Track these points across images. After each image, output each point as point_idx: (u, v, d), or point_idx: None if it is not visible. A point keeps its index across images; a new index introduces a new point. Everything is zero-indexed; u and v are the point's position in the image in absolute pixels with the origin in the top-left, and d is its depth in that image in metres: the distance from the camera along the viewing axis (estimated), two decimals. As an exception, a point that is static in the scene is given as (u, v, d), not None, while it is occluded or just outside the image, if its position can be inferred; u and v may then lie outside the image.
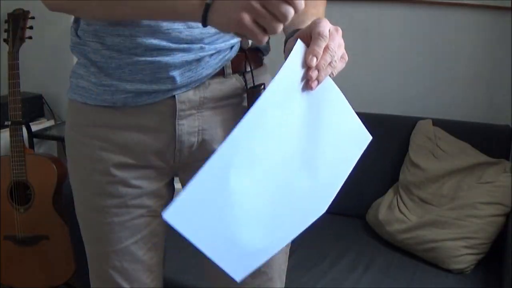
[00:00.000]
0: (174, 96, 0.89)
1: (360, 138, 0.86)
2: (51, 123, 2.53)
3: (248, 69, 0.95)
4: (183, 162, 0.96)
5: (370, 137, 0.84)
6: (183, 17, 0.79)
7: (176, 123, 0.91)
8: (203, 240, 0.70)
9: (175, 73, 0.87)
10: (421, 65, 2.09)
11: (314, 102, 0.78)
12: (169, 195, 1.03)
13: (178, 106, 0.89)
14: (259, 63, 0.99)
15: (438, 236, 1.67)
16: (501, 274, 1.61)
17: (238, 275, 0.72)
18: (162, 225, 1.04)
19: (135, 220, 0.98)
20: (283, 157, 0.75)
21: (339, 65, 0.80)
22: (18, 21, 2.11)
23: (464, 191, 1.75)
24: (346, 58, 0.81)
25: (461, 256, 1.64)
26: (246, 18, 0.70)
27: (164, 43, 0.84)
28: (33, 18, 2.15)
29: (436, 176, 1.83)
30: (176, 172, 1.00)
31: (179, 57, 0.86)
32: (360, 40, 2.12)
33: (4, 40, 2.10)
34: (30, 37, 2.13)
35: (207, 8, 0.72)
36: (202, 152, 0.94)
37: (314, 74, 0.76)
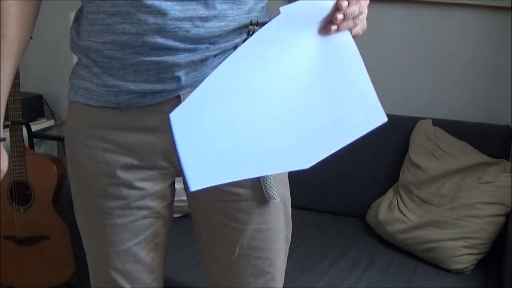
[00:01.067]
0: (179, 96, 0.88)
1: (372, 115, 0.85)
2: (51, 123, 2.54)
3: None
4: None
5: (385, 119, 0.84)
6: None
7: None
8: (186, 143, 0.75)
9: (181, 73, 0.86)
10: (421, 65, 2.09)
11: (328, 53, 0.81)
12: (172, 196, 1.03)
13: None
14: None
15: (438, 236, 1.67)
16: (501, 274, 1.61)
17: (195, 184, 0.76)
18: (164, 225, 1.03)
19: (138, 221, 0.98)
20: (276, 94, 0.80)
21: (359, 28, 0.80)
22: (18, 21, 2.11)
23: (464, 191, 1.75)
24: (365, 27, 0.81)
25: (461, 256, 1.64)
26: None
27: (170, 43, 0.83)
28: (33, 18, 2.15)
29: (436, 176, 1.82)
30: (179, 173, 0.99)
31: (185, 57, 0.85)
32: (360, 40, 2.11)
33: (4, 40, 2.10)
34: (30, 37, 2.13)
35: None
36: None
37: (339, 16, 0.77)
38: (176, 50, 0.84)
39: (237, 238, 1.00)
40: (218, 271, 1.06)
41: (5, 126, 2.11)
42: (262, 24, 0.95)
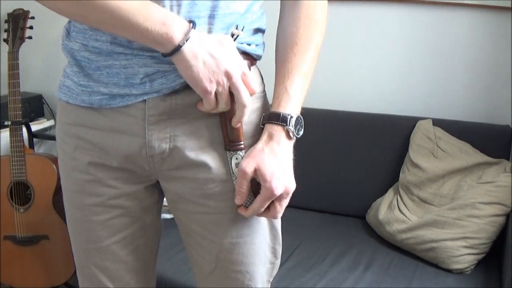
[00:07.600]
0: (145, 100, 0.88)
1: None
2: (51, 123, 2.54)
3: None
4: (159, 169, 0.94)
5: None
6: (151, 44, 0.80)
7: (146, 128, 0.89)
8: None
9: (148, 79, 0.86)
10: (421, 65, 2.09)
11: None
12: (152, 199, 1.02)
13: (148, 111, 0.88)
14: None
15: (438, 236, 1.67)
16: (501, 274, 1.61)
17: None
18: (144, 230, 1.03)
19: (114, 219, 0.98)
20: None
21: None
22: (18, 21, 2.11)
23: (464, 191, 1.75)
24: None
25: (461, 256, 1.64)
26: (211, 87, 0.81)
27: (137, 50, 0.84)
28: (33, 18, 2.15)
29: (436, 176, 1.83)
30: (156, 178, 0.98)
31: (152, 63, 0.85)
32: (360, 40, 2.11)
33: (4, 40, 2.10)
34: (30, 37, 2.13)
35: (176, 50, 0.79)
36: (175, 160, 0.92)
37: None
38: (144, 57, 0.85)
39: (214, 251, 0.99)
40: (201, 279, 1.06)
41: (5, 126, 2.12)
42: (255, 29, 0.92)
